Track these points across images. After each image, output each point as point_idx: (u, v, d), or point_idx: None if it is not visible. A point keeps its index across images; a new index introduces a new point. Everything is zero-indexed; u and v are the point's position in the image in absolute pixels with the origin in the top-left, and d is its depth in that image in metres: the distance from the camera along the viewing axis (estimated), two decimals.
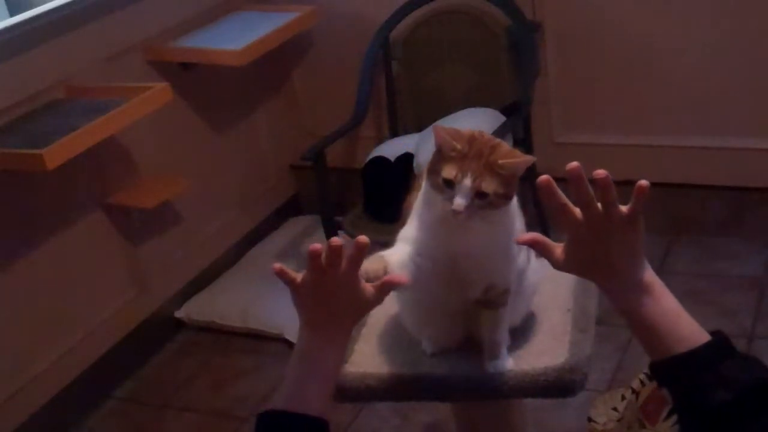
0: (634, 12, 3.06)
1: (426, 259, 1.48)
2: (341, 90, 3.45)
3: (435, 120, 3.02)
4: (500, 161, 1.39)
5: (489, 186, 1.38)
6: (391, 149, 3.02)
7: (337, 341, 1.36)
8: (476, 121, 2.91)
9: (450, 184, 1.40)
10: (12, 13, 2.84)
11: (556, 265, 1.27)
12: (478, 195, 1.38)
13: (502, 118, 2.95)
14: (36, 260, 2.75)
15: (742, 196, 3.16)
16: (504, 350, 1.58)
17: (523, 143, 3.06)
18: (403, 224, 1.54)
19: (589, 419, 2.30)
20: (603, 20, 3.11)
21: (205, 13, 3.31)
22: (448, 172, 1.39)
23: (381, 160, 2.98)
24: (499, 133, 2.81)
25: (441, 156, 1.42)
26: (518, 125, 3.02)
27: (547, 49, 3.18)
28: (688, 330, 1.19)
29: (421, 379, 1.59)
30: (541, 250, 1.29)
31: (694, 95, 3.08)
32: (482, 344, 1.58)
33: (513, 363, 1.58)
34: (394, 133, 3.26)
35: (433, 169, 1.42)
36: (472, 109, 3.02)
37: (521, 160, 1.40)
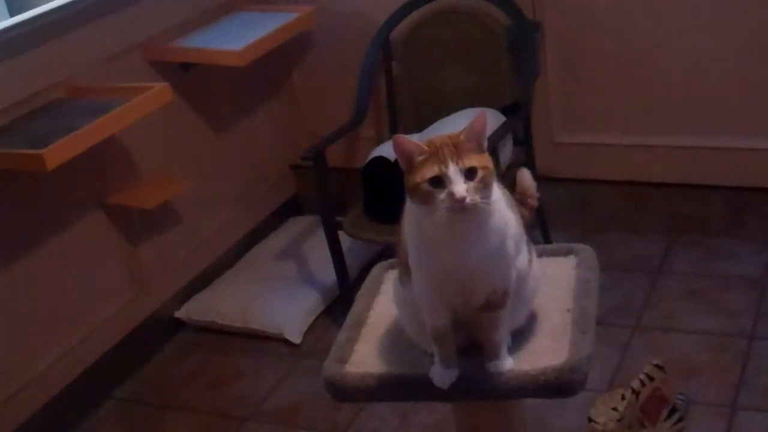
0: (634, 12, 3.06)
1: (431, 284, 1.50)
2: (341, 90, 3.45)
3: (435, 120, 3.03)
4: (462, 136, 1.43)
5: (472, 161, 1.41)
6: (391, 149, 3.01)
7: None
8: None
9: (438, 181, 1.41)
10: (12, 13, 2.84)
11: None
12: (469, 174, 1.41)
13: (502, 118, 2.95)
14: (36, 260, 2.75)
15: (742, 196, 3.16)
16: (504, 350, 1.58)
17: (523, 143, 3.06)
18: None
19: (589, 419, 2.30)
20: (603, 20, 3.11)
21: (205, 13, 3.31)
22: (431, 170, 1.42)
23: (381, 160, 2.98)
24: (499, 133, 2.82)
25: (413, 165, 1.45)
26: (518, 125, 3.02)
27: (547, 49, 3.18)
28: None
29: (421, 379, 1.59)
30: None
31: (694, 95, 3.08)
32: (483, 345, 1.58)
33: (513, 363, 1.58)
34: (394, 133, 3.25)
35: (413, 184, 1.44)
36: (472, 109, 3.02)
37: (474, 118, 1.44)
